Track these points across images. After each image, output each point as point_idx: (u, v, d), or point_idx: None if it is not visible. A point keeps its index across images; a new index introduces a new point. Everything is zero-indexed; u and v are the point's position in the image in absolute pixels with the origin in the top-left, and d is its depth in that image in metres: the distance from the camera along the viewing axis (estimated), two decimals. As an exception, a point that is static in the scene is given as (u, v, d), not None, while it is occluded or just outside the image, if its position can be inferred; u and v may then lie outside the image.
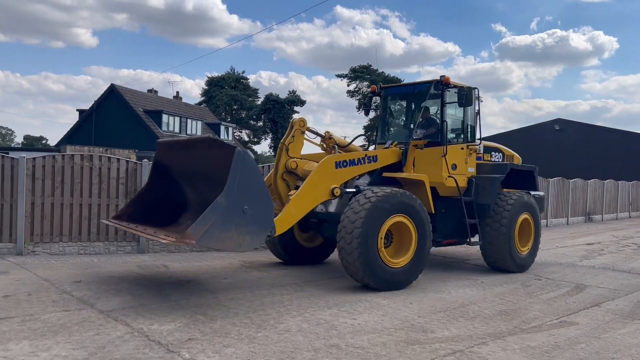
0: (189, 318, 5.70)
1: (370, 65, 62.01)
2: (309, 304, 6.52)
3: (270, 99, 63.89)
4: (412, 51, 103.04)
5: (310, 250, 9.46)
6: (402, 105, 10.13)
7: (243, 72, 69.61)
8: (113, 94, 37.79)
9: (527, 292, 7.71)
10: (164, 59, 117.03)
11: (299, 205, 7.31)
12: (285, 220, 7.14)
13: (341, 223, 7.24)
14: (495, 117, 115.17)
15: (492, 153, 10.04)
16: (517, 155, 10.70)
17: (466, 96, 8.47)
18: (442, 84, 8.67)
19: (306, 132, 8.28)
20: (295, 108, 64.90)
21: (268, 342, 5.01)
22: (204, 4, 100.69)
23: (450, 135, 8.98)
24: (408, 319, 6.02)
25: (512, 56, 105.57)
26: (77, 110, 41.52)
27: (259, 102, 66.61)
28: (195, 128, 41.13)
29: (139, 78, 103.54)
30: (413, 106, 9.59)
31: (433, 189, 8.50)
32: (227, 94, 63.60)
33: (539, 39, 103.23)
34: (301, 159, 8.18)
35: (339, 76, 67.89)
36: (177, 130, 38.98)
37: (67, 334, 4.97)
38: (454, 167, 8.80)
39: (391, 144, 8.77)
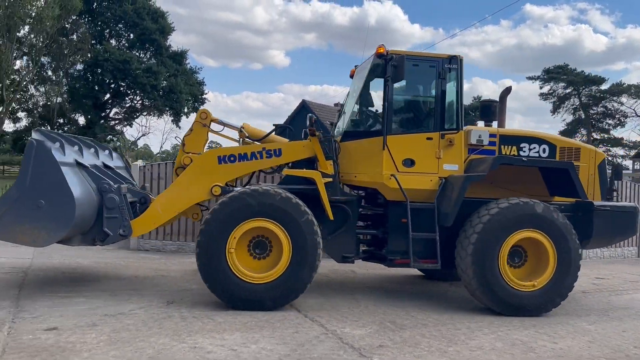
0: (379, 325, 5.82)
1: (567, 65, 56.72)
2: (502, 322, 6.17)
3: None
4: (617, 46, 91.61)
5: None
6: (353, 87, 8.01)
7: (425, 80, 69.27)
8: (304, 109, 40.62)
9: None
10: (348, 72, 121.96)
11: (167, 204, 6.74)
12: (148, 221, 6.71)
13: None
14: None
15: (525, 145, 7.02)
16: (596, 149, 7.54)
17: (396, 68, 6.41)
18: (379, 56, 6.71)
19: (214, 124, 7.46)
20: (481, 115, 62.31)
21: (460, 357, 4.87)
22: (386, 17, 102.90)
23: (404, 121, 7.20)
24: (622, 349, 5.33)
25: None
26: (273, 125, 45.47)
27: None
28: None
29: (325, 93, 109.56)
30: (356, 87, 7.62)
31: (375, 192, 6.94)
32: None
33: None
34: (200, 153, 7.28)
35: (529, 78, 63.45)
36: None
37: (271, 330, 5.44)
38: (409, 163, 6.69)
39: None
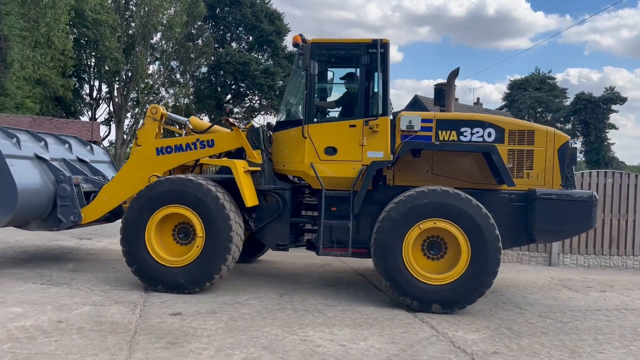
0: (494, 330, 5.55)
1: None
2: (636, 335, 5.60)
3: (582, 99, 57.54)
4: None
5: None
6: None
7: (549, 71, 64.76)
8: (416, 104, 39.96)
9: None
10: (464, 65, 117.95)
11: (112, 193, 7.09)
12: (96, 209, 7.13)
13: None
14: None
15: (466, 129, 6.49)
16: (555, 131, 6.65)
17: (302, 56, 6.44)
18: (294, 45, 6.70)
19: (165, 119, 7.59)
20: (613, 107, 57.05)
21: (585, 371, 4.49)
22: (506, 6, 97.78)
23: (327, 109, 7.09)
24: None
25: None
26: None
27: (568, 103, 60.92)
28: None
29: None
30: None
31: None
32: (531, 96, 60.06)
33: None
34: None
35: (672, 66, 56.86)
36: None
37: (380, 328, 5.42)
38: (331, 151, 6.59)
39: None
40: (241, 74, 39.61)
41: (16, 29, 20.27)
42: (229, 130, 7.17)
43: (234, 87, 42.83)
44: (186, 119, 7.86)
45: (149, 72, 41.41)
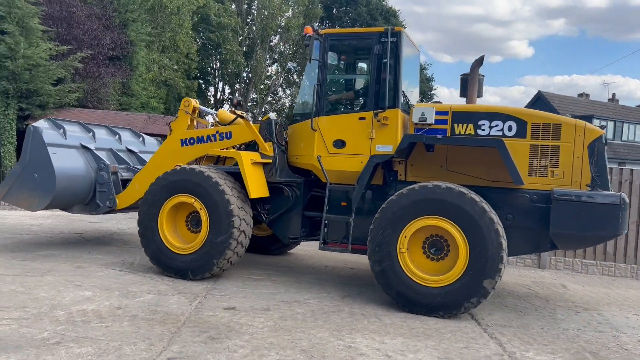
0: (574, 354, 4.81)
1: None
2: None
3: None
4: None
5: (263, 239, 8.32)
6: None
7: None
8: (540, 100, 37.10)
9: None
10: (603, 60, 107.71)
11: (142, 181, 7.38)
12: (128, 196, 7.63)
13: None
14: None
15: (484, 122, 5.98)
16: (585, 124, 5.79)
17: (308, 47, 6.35)
18: (303, 37, 6.50)
19: (198, 111, 7.86)
20: None
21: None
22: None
23: (338, 102, 6.90)
24: None
25: None
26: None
27: None
28: (633, 132, 36.02)
29: (574, 83, 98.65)
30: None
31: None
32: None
33: None
34: None
35: None
36: (609, 135, 35.03)
37: (438, 340, 4.95)
38: (339, 144, 6.45)
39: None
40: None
41: (143, 34, 22.17)
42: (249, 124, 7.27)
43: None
44: (215, 111, 8.10)
45: (268, 73, 43.16)
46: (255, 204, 6.81)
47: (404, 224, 5.66)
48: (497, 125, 5.99)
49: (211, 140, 7.28)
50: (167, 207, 6.67)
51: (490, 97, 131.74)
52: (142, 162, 8.72)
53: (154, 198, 6.72)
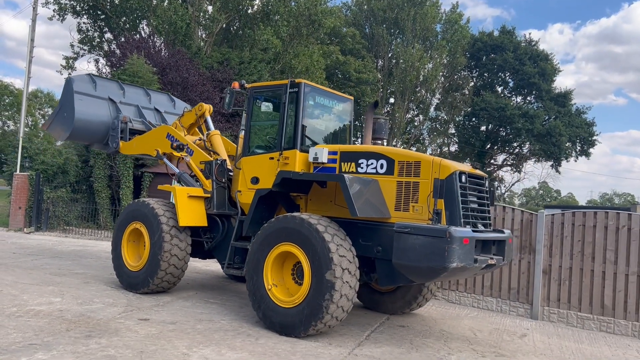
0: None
1: None
2: None
3: None
4: None
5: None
6: None
7: None
8: None
9: None
10: None
11: (138, 142, 9.43)
12: (127, 147, 9.60)
13: None
14: None
15: (362, 161, 6.50)
16: (441, 161, 5.93)
17: (228, 99, 7.58)
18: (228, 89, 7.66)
19: (204, 119, 9.06)
20: None
21: None
22: None
23: (257, 144, 7.69)
24: None
25: None
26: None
27: None
28: None
29: None
30: None
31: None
32: None
33: None
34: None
35: None
36: None
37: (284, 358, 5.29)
38: (255, 180, 7.31)
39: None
40: (496, 120, 38.34)
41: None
42: (233, 145, 8.70)
43: (488, 133, 41.56)
44: (212, 130, 8.94)
45: (416, 123, 43.87)
46: (198, 232, 7.93)
47: (269, 248, 6.29)
48: (372, 164, 6.46)
49: (180, 150, 8.63)
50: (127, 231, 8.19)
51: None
52: (164, 120, 10.54)
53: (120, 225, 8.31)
